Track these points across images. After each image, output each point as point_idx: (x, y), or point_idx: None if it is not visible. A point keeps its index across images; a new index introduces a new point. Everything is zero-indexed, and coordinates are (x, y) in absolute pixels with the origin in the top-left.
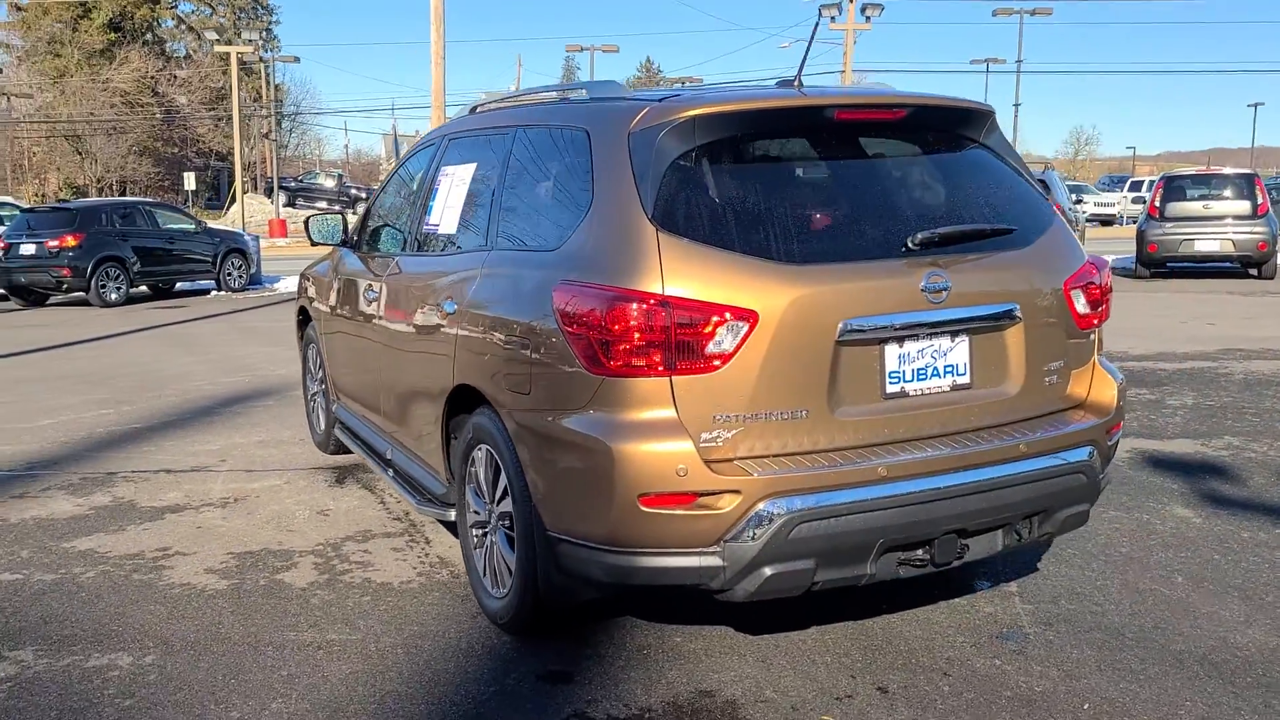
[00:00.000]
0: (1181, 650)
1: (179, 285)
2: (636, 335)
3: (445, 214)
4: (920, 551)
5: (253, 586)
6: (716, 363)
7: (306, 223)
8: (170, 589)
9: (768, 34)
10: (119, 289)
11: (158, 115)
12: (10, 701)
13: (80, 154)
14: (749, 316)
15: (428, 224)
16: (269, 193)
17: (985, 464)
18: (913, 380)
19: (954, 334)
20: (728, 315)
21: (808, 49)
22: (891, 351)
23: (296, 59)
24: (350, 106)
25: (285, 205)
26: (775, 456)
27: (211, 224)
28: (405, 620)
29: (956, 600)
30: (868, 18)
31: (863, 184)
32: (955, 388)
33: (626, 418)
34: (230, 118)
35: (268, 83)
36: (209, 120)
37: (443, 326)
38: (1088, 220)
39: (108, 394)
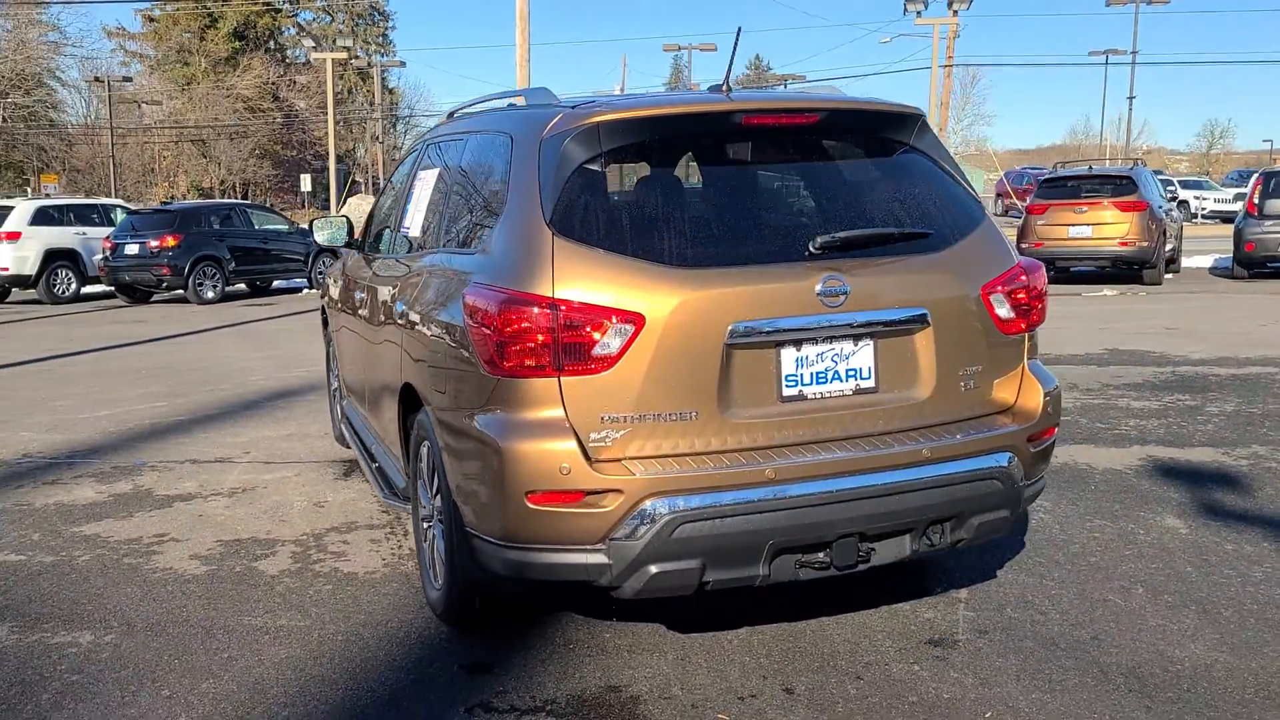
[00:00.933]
0: (1110, 662)
1: (275, 283)
2: (526, 337)
3: (414, 217)
4: (820, 554)
5: (227, 573)
6: (603, 364)
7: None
8: (152, 573)
9: (869, 29)
10: (215, 287)
11: (277, 120)
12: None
13: (206, 157)
14: (635, 319)
15: (403, 227)
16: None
17: (884, 468)
18: (812, 383)
19: (856, 338)
20: (614, 318)
21: (733, 55)
22: (788, 355)
23: (403, 63)
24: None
25: None
26: (663, 457)
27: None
28: (357, 609)
29: (900, 605)
30: (955, 11)
31: (769, 189)
32: (859, 391)
33: (518, 417)
34: (345, 121)
35: (381, 87)
36: (325, 124)
37: (395, 326)
38: (1206, 217)
39: (167, 387)
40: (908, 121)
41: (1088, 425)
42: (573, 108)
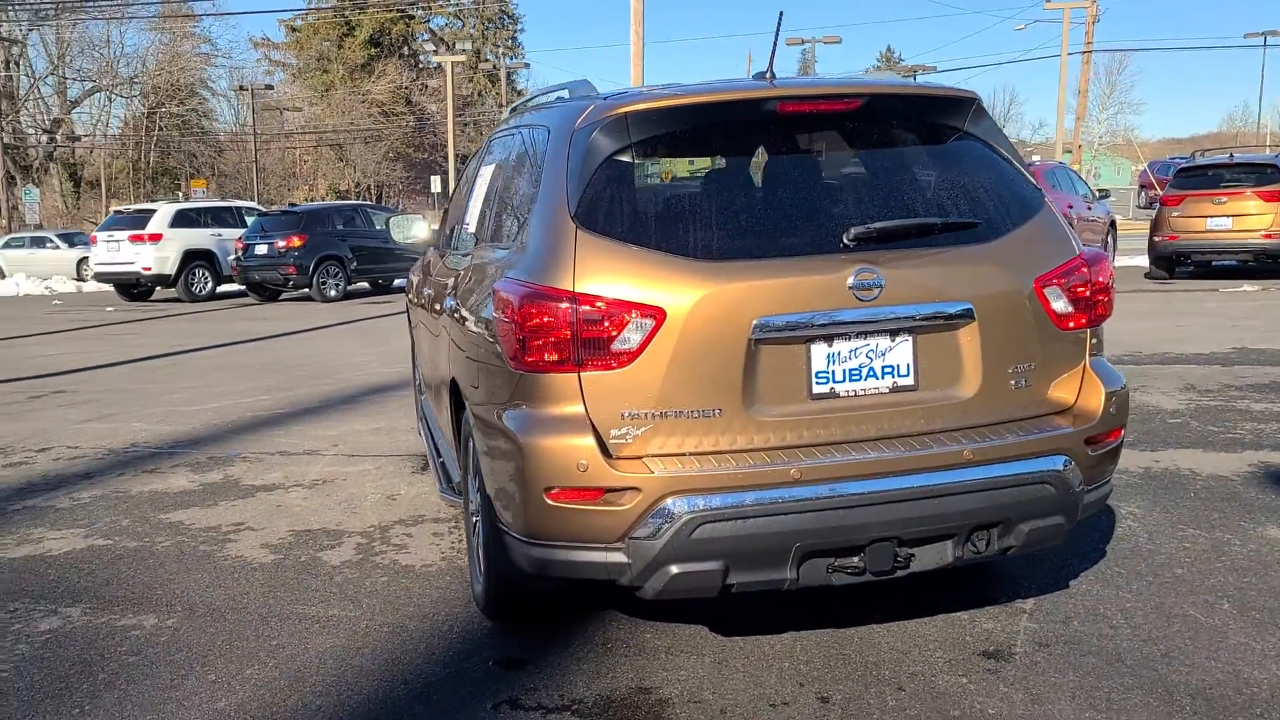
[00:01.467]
0: (1179, 681)
1: (397, 281)
2: (546, 331)
3: (472, 212)
4: (855, 559)
5: (293, 562)
6: (624, 360)
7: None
8: (223, 561)
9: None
10: (338, 285)
11: (409, 124)
12: (40, 650)
13: (343, 161)
14: (656, 313)
15: (464, 222)
16: None
17: (921, 470)
18: (845, 381)
19: (893, 333)
20: (633, 312)
21: (775, 39)
22: (819, 351)
23: (527, 65)
24: None
25: None
26: (685, 455)
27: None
28: (407, 601)
29: (958, 614)
30: None
31: (805, 179)
32: (896, 389)
33: (539, 412)
34: (475, 123)
35: (510, 88)
36: (456, 126)
37: (446, 321)
38: None
39: (277, 381)
40: (961, 106)
41: (1198, 428)
42: (605, 98)
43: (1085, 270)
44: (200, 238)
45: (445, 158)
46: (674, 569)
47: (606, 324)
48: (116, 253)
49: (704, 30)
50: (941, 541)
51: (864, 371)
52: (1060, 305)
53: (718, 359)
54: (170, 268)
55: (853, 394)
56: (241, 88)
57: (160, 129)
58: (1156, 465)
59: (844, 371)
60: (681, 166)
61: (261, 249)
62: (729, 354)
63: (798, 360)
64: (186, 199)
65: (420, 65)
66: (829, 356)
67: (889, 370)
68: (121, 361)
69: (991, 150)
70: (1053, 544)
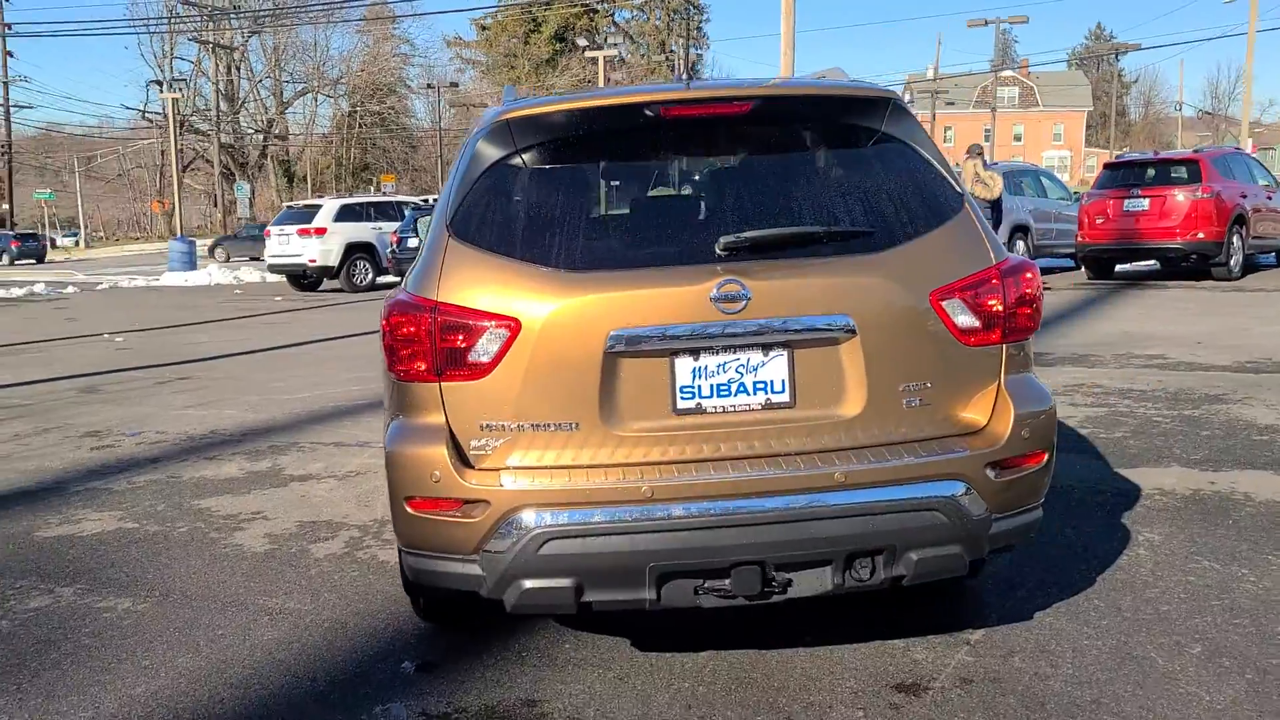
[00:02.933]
0: None
1: None
2: (410, 341)
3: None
4: (726, 581)
5: (283, 553)
6: (481, 370)
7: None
8: (223, 549)
9: None
10: None
11: None
12: (17, 627)
13: None
14: (511, 324)
15: None
16: None
17: (788, 491)
18: (712, 396)
19: (766, 348)
20: (490, 322)
21: (687, 41)
22: (683, 364)
23: (699, 55)
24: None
25: None
26: (542, 468)
27: None
28: (363, 598)
29: (895, 641)
30: None
31: (687, 186)
32: (770, 406)
33: (409, 422)
34: None
35: (690, 77)
36: None
37: None
38: None
39: (376, 373)
40: (875, 106)
41: None
42: (507, 105)
43: (996, 282)
44: (361, 231)
45: None
46: (526, 584)
47: (464, 334)
48: (286, 245)
49: (894, 13)
50: (820, 568)
51: (734, 387)
52: (965, 320)
53: (574, 371)
54: (334, 260)
55: (722, 410)
56: (429, 85)
57: (360, 127)
58: (1210, 488)
59: (712, 387)
60: (554, 173)
61: (413, 242)
62: (585, 366)
63: (660, 374)
64: (379, 192)
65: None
66: (695, 371)
67: (762, 386)
68: (253, 350)
69: (911, 153)
70: (955, 575)
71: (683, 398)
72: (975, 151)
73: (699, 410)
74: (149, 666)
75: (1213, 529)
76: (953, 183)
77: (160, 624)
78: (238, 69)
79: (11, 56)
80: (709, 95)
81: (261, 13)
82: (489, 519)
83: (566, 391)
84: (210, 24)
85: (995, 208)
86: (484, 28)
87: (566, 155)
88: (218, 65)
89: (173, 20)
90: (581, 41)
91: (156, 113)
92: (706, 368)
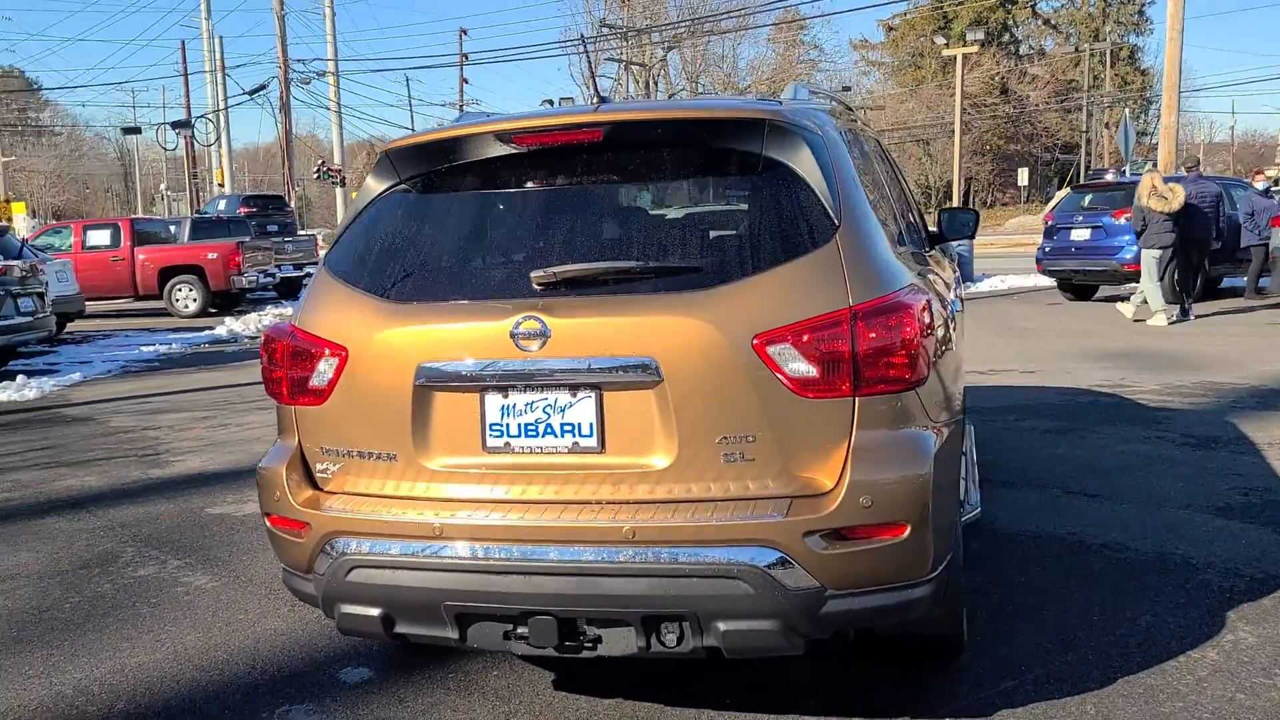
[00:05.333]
0: None
1: None
2: (274, 365)
3: None
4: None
5: None
6: (320, 396)
7: None
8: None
9: None
10: None
11: (1003, 114)
12: (116, 590)
13: (929, 157)
14: (341, 353)
15: None
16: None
17: (581, 543)
18: (520, 436)
19: (573, 388)
20: (326, 350)
21: (588, 61)
22: (493, 401)
23: (1136, 45)
24: (1229, 81)
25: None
26: (364, 495)
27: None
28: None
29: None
30: None
31: (529, 217)
32: (577, 450)
33: (279, 442)
34: (1080, 108)
35: (1133, 68)
36: (1058, 113)
37: None
38: None
39: None
40: (749, 128)
41: None
42: (410, 135)
43: (845, 327)
44: None
45: (1045, 149)
46: (343, 608)
47: (308, 360)
48: None
49: None
50: (621, 627)
51: (541, 428)
52: (800, 368)
53: (391, 402)
54: None
55: (529, 450)
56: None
57: None
58: None
59: (520, 426)
60: (417, 204)
61: None
62: (400, 398)
63: (472, 410)
64: None
65: (1019, 54)
66: (503, 409)
67: (569, 428)
68: None
69: (789, 179)
70: (786, 653)
71: (492, 435)
72: (1153, 165)
73: (508, 449)
74: (113, 656)
75: None
76: (830, 211)
77: (207, 601)
78: (655, 83)
79: (467, 83)
80: (559, 123)
81: (679, 24)
82: (312, 541)
83: (386, 422)
84: (625, 43)
85: (1176, 220)
86: (891, 28)
87: (435, 186)
88: (635, 81)
89: (596, 41)
90: (974, 36)
91: None
92: (515, 406)
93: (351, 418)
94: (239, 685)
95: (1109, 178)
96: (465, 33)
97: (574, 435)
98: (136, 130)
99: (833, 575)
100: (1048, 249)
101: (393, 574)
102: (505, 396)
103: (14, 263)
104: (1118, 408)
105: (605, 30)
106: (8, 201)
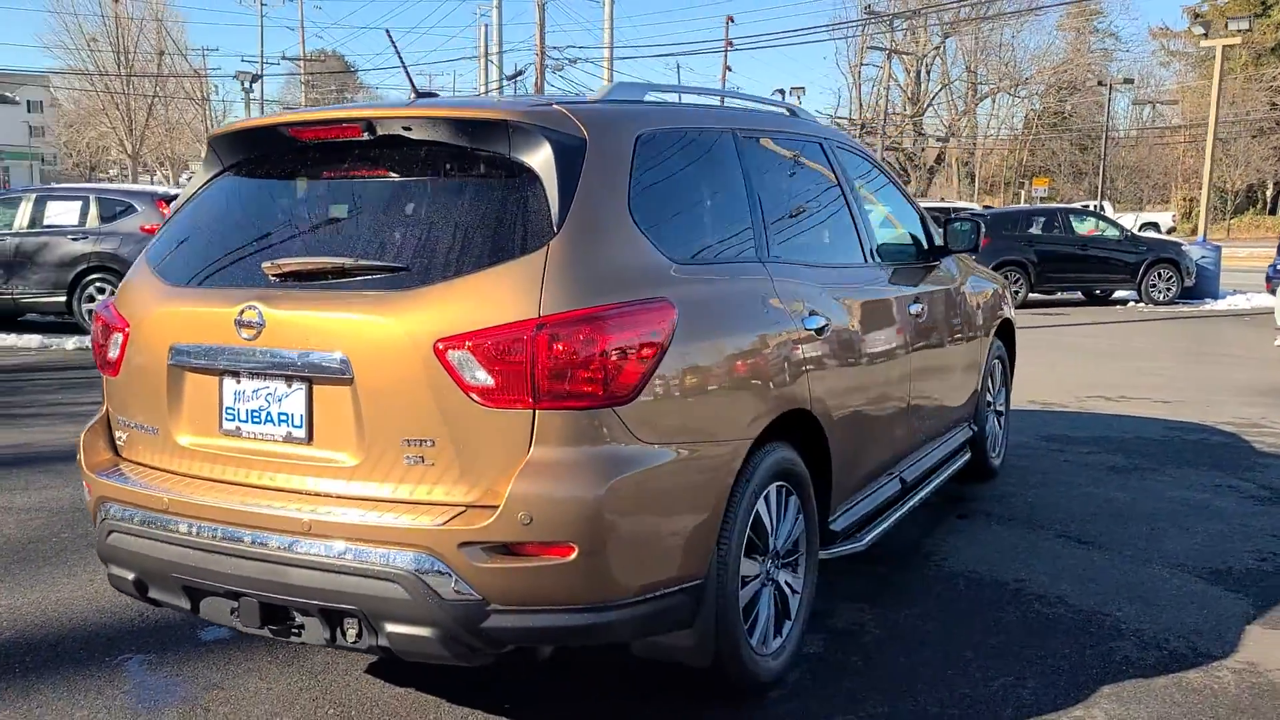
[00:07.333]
0: None
1: (1116, 292)
2: (99, 336)
3: None
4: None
5: None
6: (114, 367)
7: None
8: None
9: None
10: (1017, 291)
11: None
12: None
13: (1227, 157)
14: (124, 329)
15: None
16: None
17: (276, 530)
18: (247, 421)
19: (288, 379)
20: (120, 324)
21: (400, 56)
22: (229, 386)
23: None
24: None
25: None
26: (134, 464)
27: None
28: None
29: None
30: None
31: (291, 208)
32: (289, 439)
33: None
34: None
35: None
36: None
37: None
38: None
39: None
40: (492, 131)
41: None
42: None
43: (526, 337)
44: None
45: None
46: (109, 568)
47: (109, 333)
48: None
49: None
50: (313, 617)
51: (263, 415)
52: (479, 376)
53: (151, 379)
54: None
55: (254, 436)
56: (1100, 82)
57: (1036, 128)
58: None
59: (247, 411)
60: (217, 192)
61: None
62: (158, 376)
63: (212, 393)
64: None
65: None
66: (236, 394)
67: (285, 418)
68: None
69: (526, 182)
70: (457, 663)
71: (227, 419)
72: None
73: (239, 433)
74: (82, 583)
75: None
76: (553, 218)
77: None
78: (927, 73)
79: (730, 71)
80: (324, 117)
81: (959, 4)
82: (93, 502)
83: (150, 396)
84: (889, 30)
85: None
86: (1197, 15)
87: (243, 174)
88: (906, 71)
89: (864, 29)
90: (1237, 25)
91: (843, 117)
92: (244, 391)
93: (130, 390)
94: (97, 633)
95: None
96: (732, 20)
97: (288, 425)
98: None
99: (496, 590)
100: (1279, 265)
101: (136, 541)
102: (238, 382)
103: None
104: (1220, 449)
105: (870, 15)
106: None
